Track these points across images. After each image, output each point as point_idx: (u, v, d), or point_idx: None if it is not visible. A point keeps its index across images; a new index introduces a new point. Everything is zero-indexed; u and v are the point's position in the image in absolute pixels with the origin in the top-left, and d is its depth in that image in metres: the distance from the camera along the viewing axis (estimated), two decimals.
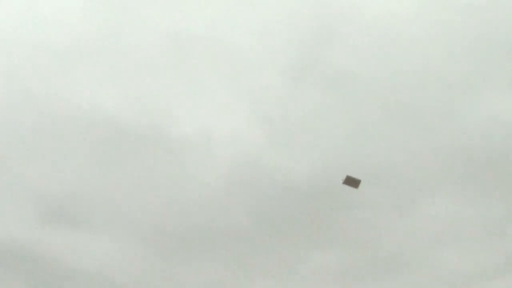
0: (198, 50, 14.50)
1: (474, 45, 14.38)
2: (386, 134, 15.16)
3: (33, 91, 14.15)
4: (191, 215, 15.56)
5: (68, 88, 14.32)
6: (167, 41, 14.34)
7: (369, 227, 15.68)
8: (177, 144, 15.05)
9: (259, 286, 15.74)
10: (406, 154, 15.29)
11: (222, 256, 15.76)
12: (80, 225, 15.29)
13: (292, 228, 15.70)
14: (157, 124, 14.88)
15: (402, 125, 15.11)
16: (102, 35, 14.13)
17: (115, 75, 14.54)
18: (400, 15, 14.37)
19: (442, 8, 14.29)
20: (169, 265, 15.57)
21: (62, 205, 15.13)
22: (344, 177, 10.53)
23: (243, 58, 14.65)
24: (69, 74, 14.29)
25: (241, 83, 14.86)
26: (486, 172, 15.28)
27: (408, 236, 15.78)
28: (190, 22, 14.27)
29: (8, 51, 13.82)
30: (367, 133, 15.17)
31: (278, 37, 14.54)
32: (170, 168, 15.25)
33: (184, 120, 14.96)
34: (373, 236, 15.74)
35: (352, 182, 10.53)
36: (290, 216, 15.64)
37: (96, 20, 13.99)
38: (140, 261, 15.55)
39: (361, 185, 13.82)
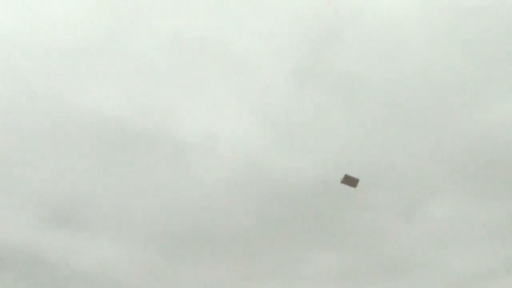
0: (203, 53, 14.64)
1: (478, 49, 14.40)
2: (389, 137, 15.25)
3: (36, 93, 14.23)
4: (194, 216, 15.67)
5: (72, 91, 14.42)
6: (172, 44, 14.45)
7: (372, 228, 15.75)
8: (181, 146, 15.16)
9: (263, 287, 15.76)
10: (409, 157, 15.36)
11: (225, 257, 15.85)
12: (84, 227, 15.38)
13: (295, 229, 15.79)
14: (161, 126, 15.00)
15: (405, 127, 15.17)
16: (107, 38, 14.22)
17: (120, 78, 14.62)
18: (404, 18, 14.43)
19: (446, 12, 14.31)
20: (173, 266, 15.66)
21: (65, 208, 15.20)
22: (342, 176, 10.48)
23: (247, 61, 14.79)
24: (73, 77, 14.36)
25: (245, 86, 14.97)
26: (489, 175, 15.28)
27: (411, 238, 15.83)
28: (195, 25, 14.38)
29: (13, 53, 13.89)
30: (370, 135, 15.27)
31: (282, 40, 14.64)
32: (173, 170, 15.34)
33: (188, 123, 15.09)
34: (376, 238, 15.80)
35: (350, 181, 10.49)
36: (293, 217, 15.73)
37: (101, 23, 14.08)
38: (143, 263, 15.64)
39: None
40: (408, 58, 14.75)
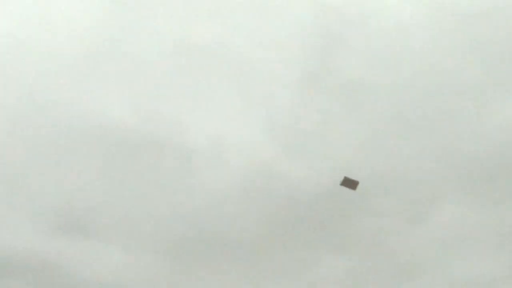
0: (210, 60, 14.73)
1: (484, 53, 14.38)
2: (396, 142, 15.28)
3: (45, 101, 14.38)
4: (203, 223, 15.72)
5: (79, 98, 14.55)
6: (178, 51, 14.55)
7: (380, 233, 15.73)
8: (189, 154, 15.24)
9: None
10: (417, 161, 15.35)
11: (234, 263, 15.87)
12: (93, 236, 15.48)
13: (303, 235, 15.78)
14: (168, 134, 15.07)
15: (413, 132, 15.19)
16: (113, 45, 14.34)
17: (128, 85, 14.73)
18: (410, 24, 14.45)
19: (451, 17, 14.32)
20: (182, 272, 15.71)
21: (74, 215, 15.31)
22: (341, 178, 10.55)
23: (254, 68, 14.85)
24: (80, 84, 14.48)
25: (252, 92, 15.04)
26: (498, 179, 15.22)
27: (419, 242, 15.80)
28: (201, 32, 14.48)
29: (18, 60, 14.04)
30: (378, 140, 15.30)
31: (288, 46, 14.73)
32: (182, 178, 15.43)
33: (196, 130, 15.16)
34: (385, 243, 15.79)
35: (350, 183, 10.55)
36: (301, 223, 15.74)
37: (107, 30, 14.20)
38: (153, 271, 15.70)
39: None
40: (415, 63, 14.78)
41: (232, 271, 15.89)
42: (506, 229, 15.48)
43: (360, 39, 14.67)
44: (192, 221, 15.73)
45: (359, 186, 10.30)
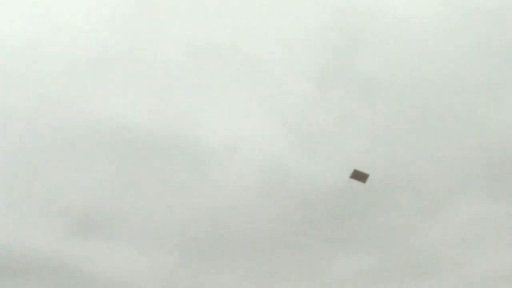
0: (222, 60, 14.74)
1: (500, 48, 14.30)
2: (412, 139, 15.19)
3: (56, 103, 14.46)
4: (216, 222, 15.72)
5: (92, 100, 14.62)
6: (190, 51, 14.58)
7: (396, 231, 15.63)
8: (202, 153, 15.24)
9: None
10: (432, 158, 15.26)
11: (248, 262, 15.82)
12: (108, 236, 15.51)
13: (318, 233, 15.71)
14: (182, 133, 15.08)
15: (428, 129, 15.11)
16: (125, 47, 14.40)
17: (140, 86, 14.78)
18: (424, 20, 14.41)
19: (466, 13, 14.22)
20: (196, 272, 15.70)
21: (88, 216, 15.35)
22: (351, 171, 10.54)
23: (267, 66, 14.84)
24: (93, 86, 14.55)
25: (265, 91, 15.02)
26: None
27: (436, 239, 15.68)
28: (213, 32, 14.50)
29: (31, 63, 14.12)
30: (392, 137, 15.21)
31: (302, 44, 14.70)
32: (196, 177, 15.42)
33: (209, 129, 15.17)
34: (401, 240, 15.66)
35: (360, 176, 10.55)
36: (316, 221, 15.66)
37: (119, 32, 14.26)
38: (167, 270, 15.71)
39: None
40: (429, 61, 14.73)
41: (246, 270, 15.82)
42: None
43: (375, 36, 14.63)
44: (206, 221, 15.72)
45: (369, 180, 10.30)
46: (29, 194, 14.90)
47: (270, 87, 15.02)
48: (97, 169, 15.15)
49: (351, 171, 10.67)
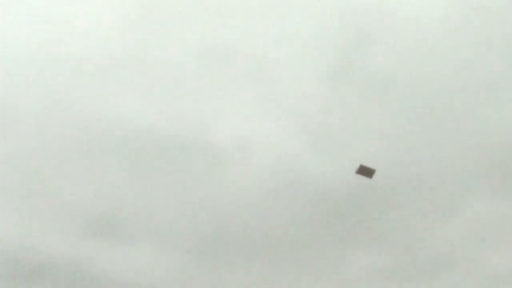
0: (232, 60, 14.69)
1: (508, 47, 14.37)
2: (425, 136, 15.06)
3: (69, 106, 14.51)
4: (231, 222, 15.67)
5: (104, 102, 14.65)
6: (201, 52, 14.56)
7: (412, 228, 15.50)
8: (213, 154, 15.21)
9: None
10: (446, 155, 15.12)
11: (262, 263, 15.77)
12: (122, 237, 15.52)
13: (333, 231, 15.62)
14: (194, 134, 15.07)
15: (441, 126, 14.97)
16: (135, 49, 14.42)
17: (151, 88, 14.77)
18: (435, 17, 14.28)
19: (478, 10, 14.14)
20: (211, 272, 15.69)
21: (103, 218, 15.37)
22: (357, 166, 10.54)
23: (277, 66, 14.78)
24: (104, 89, 14.59)
25: (276, 91, 14.95)
26: None
27: (451, 236, 15.55)
28: (223, 33, 14.46)
29: (41, 66, 14.17)
30: (405, 135, 15.09)
31: (312, 43, 14.62)
32: (209, 177, 15.40)
33: (220, 130, 15.13)
34: (416, 238, 15.56)
35: (366, 171, 10.55)
36: (329, 221, 15.58)
37: (129, 35, 14.28)
38: (183, 271, 15.70)
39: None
40: (440, 57, 14.57)
41: (259, 270, 15.75)
42: None
43: (384, 35, 14.50)
44: (219, 221, 15.67)
45: (376, 175, 10.29)
46: (42, 197, 14.95)
47: (280, 87, 14.95)
48: (109, 171, 15.15)
49: (357, 166, 10.66)
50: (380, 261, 15.65)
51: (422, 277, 15.39)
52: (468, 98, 14.71)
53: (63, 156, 14.89)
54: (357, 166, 10.51)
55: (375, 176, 13.93)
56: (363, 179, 14.77)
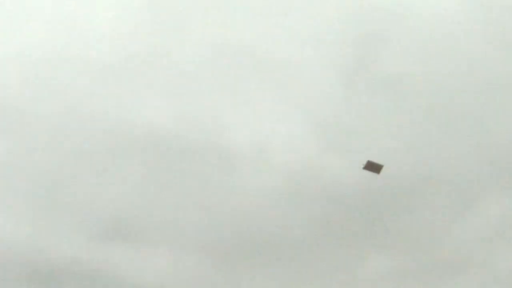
0: (248, 62, 14.76)
1: None
2: (440, 136, 15.04)
3: (85, 109, 14.63)
4: (247, 225, 15.65)
5: (120, 106, 14.77)
6: (217, 54, 14.66)
7: (427, 229, 15.42)
8: (232, 155, 15.24)
9: None
10: (461, 155, 15.09)
11: (280, 264, 15.73)
12: (138, 241, 15.58)
13: (349, 232, 15.58)
14: (210, 137, 15.12)
15: (456, 126, 14.97)
16: (151, 51, 14.54)
17: (167, 90, 14.89)
18: (449, 17, 14.34)
19: (489, 11, 14.16)
20: (228, 275, 15.65)
21: (120, 222, 15.42)
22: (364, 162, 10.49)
23: (293, 67, 14.85)
24: (120, 92, 14.71)
25: (292, 92, 15.02)
26: None
27: (467, 237, 15.44)
28: (239, 34, 14.56)
29: (60, 72, 14.36)
30: (421, 135, 15.09)
31: (327, 44, 14.69)
32: (226, 180, 15.42)
33: (238, 131, 15.17)
34: (432, 238, 15.46)
35: (373, 167, 10.51)
36: (347, 220, 15.55)
37: (145, 37, 14.43)
38: (199, 273, 15.69)
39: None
40: (455, 57, 14.61)
41: (277, 272, 15.65)
42: None
43: (400, 33, 14.55)
44: (236, 223, 15.63)
45: (384, 171, 10.24)
46: (59, 201, 15.07)
47: (297, 87, 15.00)
48: (126, 176, 15.23)
49: (364, 162, 10.64)
50: (398, 262, 15.53)
51: (438, 278, 15.24)
52: (483, 97, 14.62)
53: (79, 160, 15.01)
54: (364, 161, 10.48)
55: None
56: (380, 180, 14.70)
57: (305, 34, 14.70)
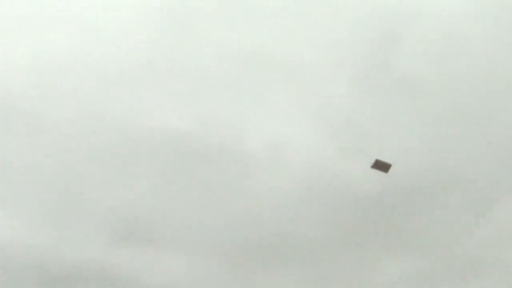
0: (263, 65, 14.77)
1: None
2: (455, 137, 14.96)
3: (101, 113, 14.71)
4: (262, 228, 15.63)
5: (136, 109, 14.85)
6: (232, 57, 14.68)
7: (444, 231, 15.29)
8: (247, 158, 15.24)
9: None
10: (477, 157, 14.98)
11: (296, 266, 15.68)
12: (154, 243, 15.61)
13: (365, 235, 15.53)
14: (225, 140, 15.13)
15: (471, 127, 14.88)
16: (167, 55, 14.62)
17: (182, 93, 14.94)
18: (462, 17, 14.25)
19: (504, 10, 14.15)
20: (243, 278, 15.62)
21: (135, 225, 15.46)
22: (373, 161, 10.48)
23: (307, 70, 14.84)
24: (136, 95, 14.80)
25: (306, 95, 15.01)
26: None
27: (484, 239, 15.27)
28: (255, 38, 14.60)
29: (76, 77, 14.47)
30: (435, 136, 14.99)
31: (341, 47, 14.70)
32: (242, 183, 15.43)
33: (253, 135, 15.18)
34: (447, 240, 15.31)
35: (381, 166, 10.49)
36: (362, 223, 15.50)
37: (161, 41, 14.50)
38: (214, 275, 15.66)
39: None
40: (469, 58, 14.53)
41: (294, 274, 15.61)
42: None
43: (414, 35, 14.51)
44: (253, 226, 15.61)
45: (392, 170, 10.22)
46: (76, 205, 15.16)
47: (311, 90, 14.99)
48: (142, 179, 15.29)
49: (372, 161, 10.64)
50: (414, 264, 15.39)
51: (452, 280, 15.08)
52: (499, 98, 14.49)
53: (95, 163, 15.09)
54: (373, 160, 10.48)
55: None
56: (394, 182, 14.66)
57: (319, 38, 14.70)
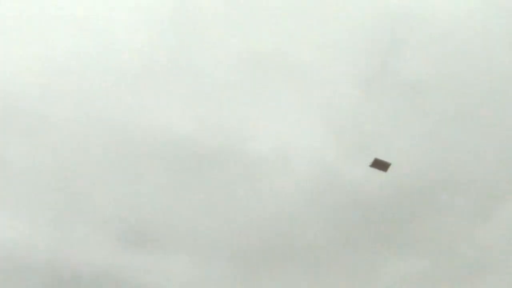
0: (269, 68, 14.72)
1: None
2: (460, 139, 14.88)
3: (105, 116, 14.70)
4: (269, 231, 15.68)
5: (141, 112, 14.82)
6: (238, 60, 14.63)
7: (448, 233, 15.31)
8: (253, 162, 15.22)
9: None
10: (482, 159, 14.93)
11: (304, 269, 15.77)
12: (161, 247, 15.66)
13: (371, 237, 15.58)
14: (232, 143, 15.10)
15: (476, 129, 14.79)
16: (173, 57, 14.55)
17: (188, 96, 14.88)
18: (470, 22, 14.16)
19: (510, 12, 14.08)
20: (250, 281, 15.73)
21: (141, 228, 15.49)
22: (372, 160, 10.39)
23: (313, 73, 14.77)
24: (142, 98, 14.75)
25: (313, 98, 14.96)
26: None
27: (487, 239, 15.30)
28: (260, 40, 14.53)
29: (78, 75, 14.39)
30: (441, 139, 14.93)
31: (347, 50, 14.64)
32: (248, 186, 15.43)
33: (259, 138, 15.15)
34: (453, 242, 15.35)
35: (380, 165, 10.39)
36: (369, 225, 15.52)
37: (167, 42, 14.42)
38: (221, 281, 15.77)
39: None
40: (475, 60, 14.42)
41: (302, 276, 15.76)
42: None
43: (420, 37, 14.42)
44: (258, 230, 15.68)
45: (391, 169, 10.12)
46: (79, 208, 15.20)
47: (318, 92, 14.94)
48: (147, 181, 15.30)
49: (371, 159, 10.54)
50: (419, 267, 15.51)
51: (458, 282, 15.10)
52: (501, 99, 14.43)
53: (101, 166, 15.11)
54: (372, 159, 10.38)
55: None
56: (400, 184, 14.66)
57: (326, 41, 14.66)
